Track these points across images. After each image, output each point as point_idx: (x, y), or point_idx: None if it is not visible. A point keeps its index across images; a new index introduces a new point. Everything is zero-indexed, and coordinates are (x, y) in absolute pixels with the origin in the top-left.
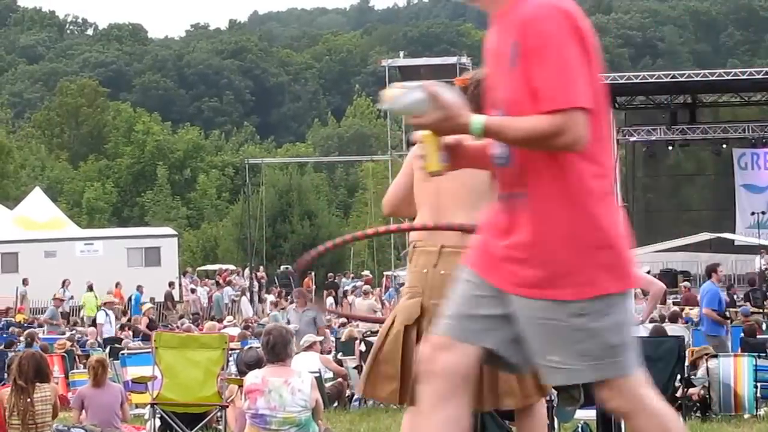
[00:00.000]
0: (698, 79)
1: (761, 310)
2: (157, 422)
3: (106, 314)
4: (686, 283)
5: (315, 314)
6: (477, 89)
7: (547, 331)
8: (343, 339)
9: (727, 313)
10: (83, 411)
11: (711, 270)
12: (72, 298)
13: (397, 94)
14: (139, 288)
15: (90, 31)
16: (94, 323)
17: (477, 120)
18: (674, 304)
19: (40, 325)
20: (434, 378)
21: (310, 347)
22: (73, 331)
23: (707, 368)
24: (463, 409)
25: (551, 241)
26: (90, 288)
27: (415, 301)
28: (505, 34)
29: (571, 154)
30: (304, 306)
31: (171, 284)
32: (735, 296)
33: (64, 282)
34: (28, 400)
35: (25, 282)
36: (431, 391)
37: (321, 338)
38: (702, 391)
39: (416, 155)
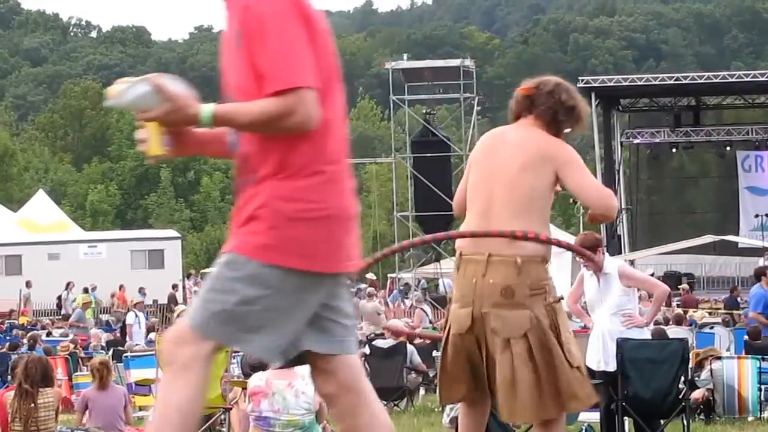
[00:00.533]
0: (702, 81)
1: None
2: None
3: (136, 315)
4: (685, 286)
5: None
6: (548, 98)
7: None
8: None
9: None
10: (87, 413)
11: (760, 273)
12: (75, 300)
13: (122, 90)
14: (142, 290)
15: (93, 34)
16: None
17: (206, 109)
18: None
19: (43, 327)
20: None
21: None
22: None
23: (711, 370)
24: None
25: (267, 216)
26: (85, 290)
27: (466, 311)
28: (231, 19)
29: (295, 137)
30: None
31: (174, 287)
32: (738, 299)
33: (68, 284)
34: (32, 405)
35: (28, 284)
36: None
37: None
38: (706, 393)
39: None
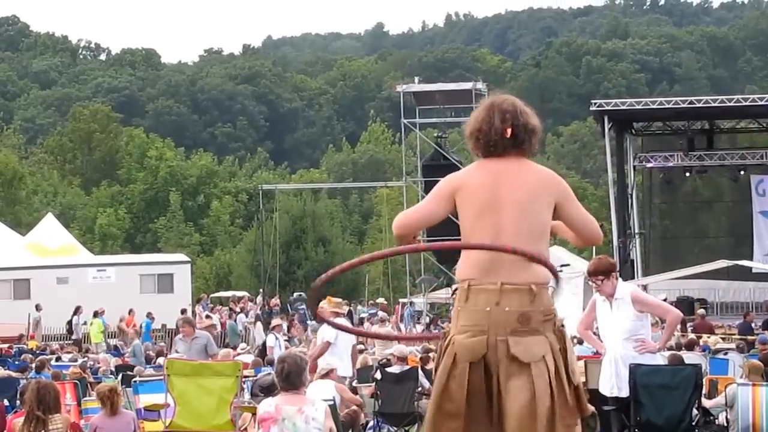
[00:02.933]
0: (716, 104)
1: None
2: None
3: (276, 338)
4: (701, 311)
5: (206, 341)
6: (526, 131)
7: None
8: (358, 366)
9: None
10: None
11: None
12: (85, 323)
13: None
14: (149, 315)
15: (103, 56)
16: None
17: None
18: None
19: (53, 352)
20: None
21: (327, 375)
22: (85, 358)
23: (725, 396)
24: None
25: None
26: (95, 314)
27: (480, 339)
28: None
29: None
30: (192, 334)
31: (183, 311)
32: (753, 324)
33: (77, 309)
34: (42, 431)
35: (38, 308)
36: None
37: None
38: (720, 420)
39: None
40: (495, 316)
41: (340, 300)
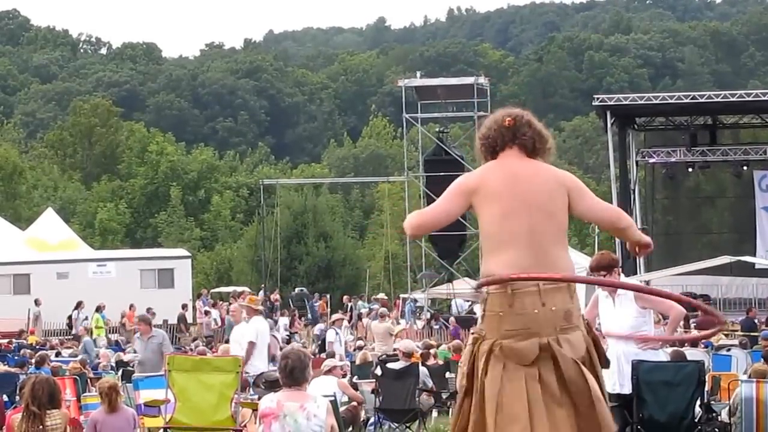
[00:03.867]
0: (719, 100)
1: None
2: None
3: (336, 333)
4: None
5: (161, 340)
6: (528, 128)
7: None
8: (358, 362)
9: None
10: None
11: None
12: (87, 318)
13: None
14: (149, 310)
15: (103, 51)
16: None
17: None
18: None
19: (52, 347)
20: None
21: (330, 371)
22: (85, 354)
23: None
24: None
25: None
26: (98, 309)
27: (532, 342)
28: None
29: None
30: (149, 333)
31: (184, 306)
32: (756, 320)
33: (78, 304)
34: (40, 427)
35: (37, 302)
36: None
37: (342, 363)
38: (722, 417)
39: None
40: (543, 317)
41: (258, 298)
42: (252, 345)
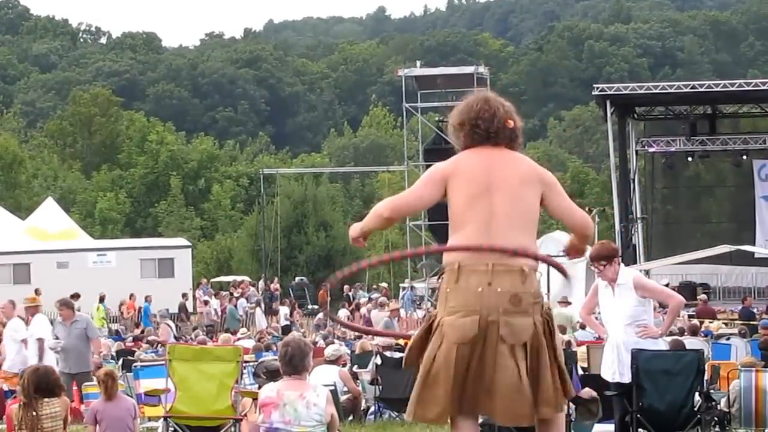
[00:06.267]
0: (718, 89)
1: None
2: None
3: None
4: (704, 296)
5: (85, 326)
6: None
7: None
8: (357, 351)
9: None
10: (97, 425)
11: None
12: (80, 309)
13: None
14: (148, 298)
15: (103, 40)
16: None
17: None
18: (689, 317)
19: None
20: None
21: (335, 361)
22: None
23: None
24: None
25: None
26: (101, 299)
27: (472, 320)
28: None
29: None
30: (72, 318)
31: (184, 296)
32: (755, 309)
33: (74, 296)
34: (34, 413)
35: (37, 292)
36: None
37: (347, 351)
38: (722, 406)
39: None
40: (487, 296)
41: (34, 296)
42: (42, 341)
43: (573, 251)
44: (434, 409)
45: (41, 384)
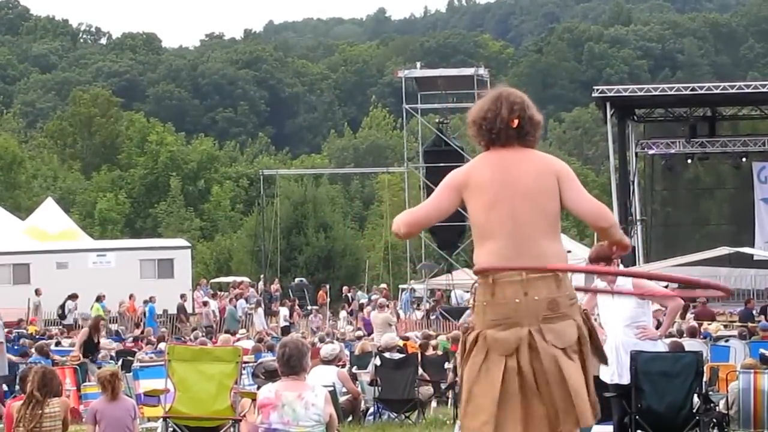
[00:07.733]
0: (718, 91)
1: None
2: None
3: None
4: (703, 298)
5: None
6: (531, 124)
7: None
8: (357, 352)
9: None
10: (96, 425)
11: None
12: (76, 308)
13: None
14: (152, 299)
15: (103, 40)
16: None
17: None
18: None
19: (51, 337)
20: None
21: (332, 361)
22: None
23: (726, 384)
24: None
25: None
26: (98, 299)
27: (513, 332)
28: None
29: None
30: None
31: (183, 296)
32: (754, 311)
33: (72, 296)
34: (40, 412)
35: (37, 292)
36: None
37: (345, 351)
38: (720, 407)
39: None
40: (525, 306)
41: None
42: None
43: (612, 248)
44: (480, 418)
45: (47, 384)
